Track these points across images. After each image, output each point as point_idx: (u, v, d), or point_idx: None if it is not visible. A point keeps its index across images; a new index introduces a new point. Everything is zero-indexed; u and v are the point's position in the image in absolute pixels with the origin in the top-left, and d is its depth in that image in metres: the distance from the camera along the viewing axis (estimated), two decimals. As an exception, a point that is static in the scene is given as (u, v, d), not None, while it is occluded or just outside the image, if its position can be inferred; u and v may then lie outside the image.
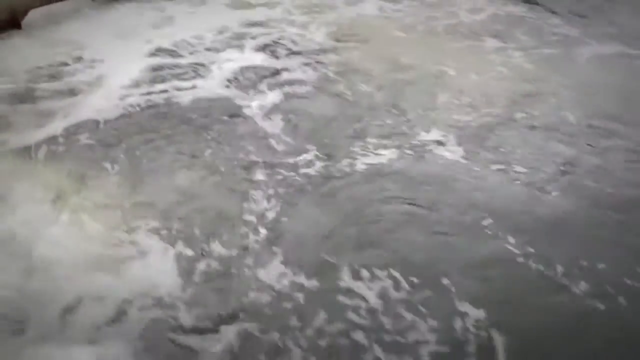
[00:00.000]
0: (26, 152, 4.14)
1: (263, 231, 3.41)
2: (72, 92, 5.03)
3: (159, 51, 5.88)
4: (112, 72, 5.37)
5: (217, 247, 3.28)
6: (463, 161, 4.18)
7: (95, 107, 4.80)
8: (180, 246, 3.28)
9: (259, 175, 3.94)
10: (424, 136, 4.47)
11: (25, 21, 6.16)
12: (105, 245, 3.26)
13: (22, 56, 5.62)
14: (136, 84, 5.19)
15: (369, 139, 4.42)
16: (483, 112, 4.86)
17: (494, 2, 7.36)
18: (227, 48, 6.01)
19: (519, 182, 3.97)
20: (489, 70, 5.66)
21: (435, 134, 4.49)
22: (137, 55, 5.78)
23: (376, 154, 4.22)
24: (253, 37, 6.27)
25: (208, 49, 5.96)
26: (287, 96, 5.09)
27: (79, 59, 5.61)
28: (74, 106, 4.79)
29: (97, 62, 5.58)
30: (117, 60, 5.62)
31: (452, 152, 4.27)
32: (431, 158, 4.22)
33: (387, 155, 4.21)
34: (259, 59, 5.80)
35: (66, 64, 5.50)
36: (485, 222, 3.53)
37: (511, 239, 3.37)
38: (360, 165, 4.09)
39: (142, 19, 6.61)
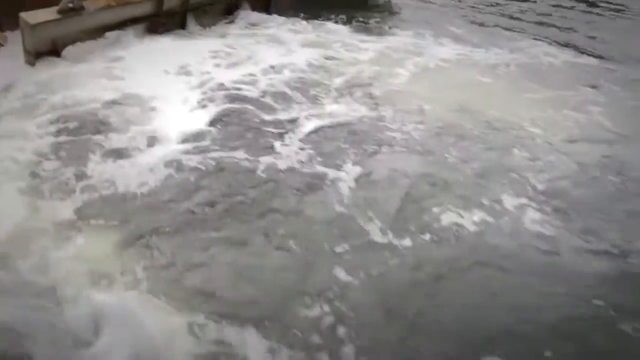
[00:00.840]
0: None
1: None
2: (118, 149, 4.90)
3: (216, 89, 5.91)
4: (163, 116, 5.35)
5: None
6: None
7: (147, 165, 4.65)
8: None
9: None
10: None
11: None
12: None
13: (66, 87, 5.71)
14: (192, 138, 5.07)
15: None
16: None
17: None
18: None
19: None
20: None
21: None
22: (191, 94, 5.80)
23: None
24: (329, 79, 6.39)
25: (275, 94, 5.96)
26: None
27: (125, 96, 5.63)
28: (122, 167, 4.62)
29: (146, 101, 5.54)
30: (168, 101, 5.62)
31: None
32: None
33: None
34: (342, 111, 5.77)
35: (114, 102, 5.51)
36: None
37: None
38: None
39: (188, 53, 6.73)
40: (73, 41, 6.35)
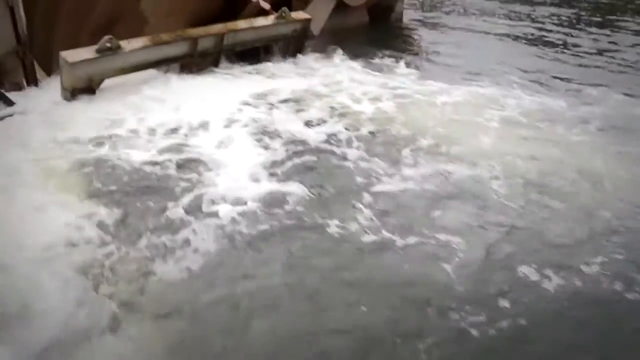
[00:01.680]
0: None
1: None
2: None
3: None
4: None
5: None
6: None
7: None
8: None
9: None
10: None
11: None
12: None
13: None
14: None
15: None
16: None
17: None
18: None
19: None
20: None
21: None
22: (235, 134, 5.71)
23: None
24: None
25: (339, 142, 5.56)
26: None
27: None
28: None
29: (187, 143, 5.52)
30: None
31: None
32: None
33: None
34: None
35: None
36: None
37: None
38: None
39: (224, 91, 6.81)
40: (109, 79, 6.58)
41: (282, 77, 7.54)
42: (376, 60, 8.50)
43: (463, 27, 12.11)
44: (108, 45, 6.35)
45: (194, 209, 4.32)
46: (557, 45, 10.16)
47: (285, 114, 6.24)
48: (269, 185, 4.69)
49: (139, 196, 4.53)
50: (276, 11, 7.95)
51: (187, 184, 4.70)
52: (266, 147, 5.39)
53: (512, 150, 5.39)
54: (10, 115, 5.98)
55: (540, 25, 11.98)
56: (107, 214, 4.21)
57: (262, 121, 5.99)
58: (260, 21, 7.81)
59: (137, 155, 5.18)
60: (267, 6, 8.25)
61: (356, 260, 3.81)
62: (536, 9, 13.79)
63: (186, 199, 4.47)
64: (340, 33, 9.84)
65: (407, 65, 8.35)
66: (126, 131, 5.69)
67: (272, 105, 6.45)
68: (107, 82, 6.62)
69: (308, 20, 8.29)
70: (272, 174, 4.88)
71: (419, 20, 13.09)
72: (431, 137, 5.61)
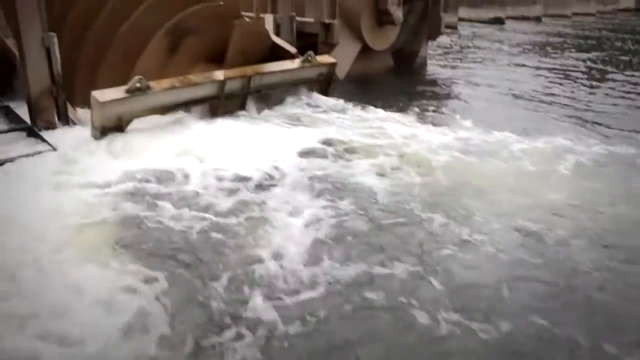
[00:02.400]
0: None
1: None
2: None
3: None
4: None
5: None
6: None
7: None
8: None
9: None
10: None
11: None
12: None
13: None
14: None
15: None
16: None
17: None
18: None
19: None
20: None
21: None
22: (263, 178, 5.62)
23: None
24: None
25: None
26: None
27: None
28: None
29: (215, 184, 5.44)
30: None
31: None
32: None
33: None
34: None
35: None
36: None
37: None
38: None
39: (252, 134, 6.81)
40: (137, 118, 6.72)
41: (325, 124, 7.51)
42: (414, 108, 8.48)
43: (492, 70, 12.25)
44: (138, 85, 6.50)
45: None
46: (598, 88, 10.14)
47: (341, 165, 6.00)
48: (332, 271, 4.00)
49: (185, 265, 4.04)
50: (302, 55, 8.10)
51: (235, 257, 4.18)
52: (334, 207, 4.98)
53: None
54: (41, 153, 6.10)
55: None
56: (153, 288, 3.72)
57: (318, 172, 5.76)
58: (287, 64, 7.96)
59: (180, 212, 4.85)
60: (293, 50, 8.42)
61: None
62: (565, 54, 13.90)
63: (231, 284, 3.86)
64: (366, 78, 9.98)
65: (437, 111, 8.41)
66: (160, 178, 5.59)
67: (337, 156, 6.27)
68: (136, 122, 6.77)
69: (334, 64, 8.41)
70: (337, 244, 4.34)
71: (444, 66, 13.24)
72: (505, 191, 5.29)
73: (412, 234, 4.51)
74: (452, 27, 21.84)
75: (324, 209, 4.87)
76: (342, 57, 9.51)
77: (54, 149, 6.18)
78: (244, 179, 5.52)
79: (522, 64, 13.98)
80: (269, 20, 9.35)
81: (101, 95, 6.35)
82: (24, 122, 6.83)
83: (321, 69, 8.28)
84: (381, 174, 5.71)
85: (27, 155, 5.99)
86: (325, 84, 8.50)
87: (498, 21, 27.14)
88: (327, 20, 9.40)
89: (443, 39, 16.74)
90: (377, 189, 5.30)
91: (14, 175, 5.56)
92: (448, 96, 10.28)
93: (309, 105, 8.19)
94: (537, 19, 30.69)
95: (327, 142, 6.60)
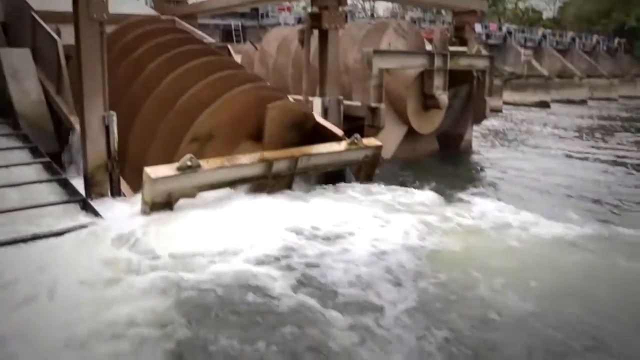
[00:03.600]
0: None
1: None
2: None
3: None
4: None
5: None
6: None
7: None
8: None
9: None
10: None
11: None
12: None
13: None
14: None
15: None
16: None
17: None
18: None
19: None
20: None
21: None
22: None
23: None
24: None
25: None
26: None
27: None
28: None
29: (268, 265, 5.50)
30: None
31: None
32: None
33: None
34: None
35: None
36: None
37: None
38: None
39: (300, 214, 6.87)
40: (187, 195, 6.91)
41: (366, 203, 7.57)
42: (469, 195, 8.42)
43: (536, 154, 12.20)
44: (189, 163, 6.71)
45: None
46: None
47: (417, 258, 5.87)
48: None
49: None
50: (349, 137, 8.27)
51: None
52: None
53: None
54: (91, 226, 6.29)
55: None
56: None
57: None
58: (333, 146, 8.12)
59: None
60: (340, 132, 8.61)
61: None
62: (613, 139, 13.77)
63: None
64: (411, 160, 10.08)
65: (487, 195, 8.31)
66: (214, 258, 5.64)
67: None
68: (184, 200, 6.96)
69: (379, 147, 8.55)
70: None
71: (489, 149, 13.27)
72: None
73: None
74: (497, 111, 22.09)
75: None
76: (387, 140, 9.67)
77: (105, 222, 6.37)
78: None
79: (567, 148, 13.88)
80: (317, 103, 9.65)
81: (153, 171, 6.57)
82: (79, 194, 7.11)
83: (367, 151, 8.41)
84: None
85: (80, 228, 6.20)
86: (371, 167, 8.60)
87: (543, 104, 27.23)
88: (373, 104, 9.63)
89: (488, 122, 16.84)
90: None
91: (65, 248, 5.73)
92: (491, 180, 10.24)
93: (353, 186, 8.29)
94: (583, 102, 30.67)
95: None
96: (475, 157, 12.35)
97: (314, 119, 8.65)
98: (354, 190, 8.03)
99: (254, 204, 7.17)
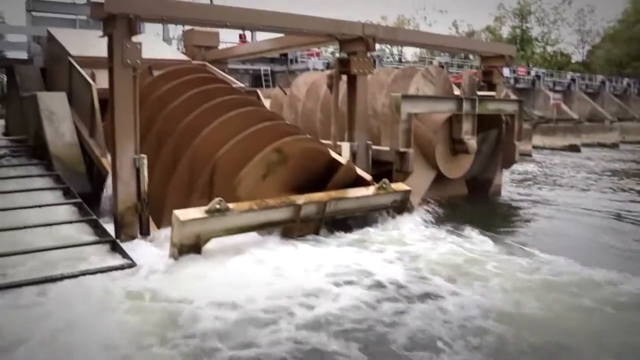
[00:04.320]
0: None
1: None
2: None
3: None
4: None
5: None
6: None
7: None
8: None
9: None
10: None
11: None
12: None
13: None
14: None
15: None
16: None
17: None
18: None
19: None
20: None
21: None
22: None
23: None
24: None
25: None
26: None
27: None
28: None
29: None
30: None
31: None
32: None
33: None
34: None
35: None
36: None
37: None
38: None
39: (328, 259, 6.78)
40: (215, 238, 6.91)
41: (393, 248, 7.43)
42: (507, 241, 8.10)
43: (567, 199, 11.97)
44: (217, 206, 6.75)
45: None
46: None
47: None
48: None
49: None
50: (377, 182, 8.24)
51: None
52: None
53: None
54: (121, 268, 6.31)
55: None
56: None
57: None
58: (362, 191, 8.11)
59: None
60: (368, 177, 8.59)
61: None
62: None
63: None
64: (439, 205, 9.97)
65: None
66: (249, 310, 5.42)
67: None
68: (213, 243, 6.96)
69: (408, 192, 8.50)
70: None
71: (518, 194, 13.07)
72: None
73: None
74: (527, 155, 21.89)
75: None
76: (416, 184, 9.59)
77: (134, 264, 6.40)
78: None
79: (599, 193, 13.60)
80: (345, 148, 9.67)
81: (182, 214, 6.61)
82: (108, 235, 7.17)
83: (396, 196, 8.37)
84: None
85: (109, 269, 6.23)
86: (400, 211, 8.54)
87: (573, 148, 26.88)
88: (402, 149, 9.60)
89: (518, 167, 16.65)
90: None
91: (94, 288, 5.75)
92: (522, 227, 10.01)
93: (380, 230, 8.21)
94: (614, 146, 30.23)
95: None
96: (504, 202, 12.17)
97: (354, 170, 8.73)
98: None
99: (283, 249, 7.16)
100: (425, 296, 5.85)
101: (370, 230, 8.13)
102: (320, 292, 5.83)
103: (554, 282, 6.27)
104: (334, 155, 8.83)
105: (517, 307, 5.57)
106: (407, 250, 7.31)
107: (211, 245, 6.92)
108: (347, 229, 8.10)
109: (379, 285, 6.12)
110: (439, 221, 8.93)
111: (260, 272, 6.36)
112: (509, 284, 6.18)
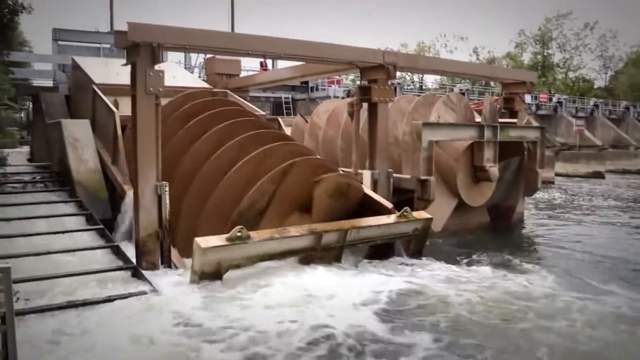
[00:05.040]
0: None
1: None
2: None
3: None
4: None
5: None
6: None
7: None
8: None
9: None
10: None
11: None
12: None
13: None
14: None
15: None
16: None
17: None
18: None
19: None
20: None
21: None
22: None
23: None
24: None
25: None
26: None
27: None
28: None
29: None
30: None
31: None
32: None
33: None
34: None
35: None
36: None
37: None
38: None
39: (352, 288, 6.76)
40: (236, 266, 6.89)
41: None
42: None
43: (590, 228, 11.75)
44: (239, 234, 6.73)
45: None
46: None
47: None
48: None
49: None
50: (398, 210, 8.17)
51: None
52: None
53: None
54: (142, 294, 6.30)
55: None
56: None
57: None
58: (383, 219, 8.04)
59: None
60: (389, 205, 8.53)
61: None
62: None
63: None
64: (461, 233, 9.86)
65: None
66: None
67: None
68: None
69: (429, 220, 8.41)
70: None
71: (541, 222, 12.88)
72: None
73: None
74: (550, 182, 21.63)
75: None
76: (437, 212, 9.52)
77: (156, 291, 6.38)
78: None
79: (621, 221, 13.32)
80: (366, 176, 9.63)
81: (203, 241, 6.61)
82: (130, 261, 7.18)
83: (417, 224, 8.28)
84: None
85: (130, 296, 6.21)
86: (421, 239, 8.44)
87: (597, 175, 26.48)
88: (423, 177, 9.54)
89: (541, 194, 16.44)
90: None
91: (115, 314, 5.73)
92: (542, 256, 9.82)
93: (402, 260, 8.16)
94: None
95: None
96: (526, 230, 11.99)
97: (363, 191, 8.67)
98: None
99: (303, 277, 7.09)
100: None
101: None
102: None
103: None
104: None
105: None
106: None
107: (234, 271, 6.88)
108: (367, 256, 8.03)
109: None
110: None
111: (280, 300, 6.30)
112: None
